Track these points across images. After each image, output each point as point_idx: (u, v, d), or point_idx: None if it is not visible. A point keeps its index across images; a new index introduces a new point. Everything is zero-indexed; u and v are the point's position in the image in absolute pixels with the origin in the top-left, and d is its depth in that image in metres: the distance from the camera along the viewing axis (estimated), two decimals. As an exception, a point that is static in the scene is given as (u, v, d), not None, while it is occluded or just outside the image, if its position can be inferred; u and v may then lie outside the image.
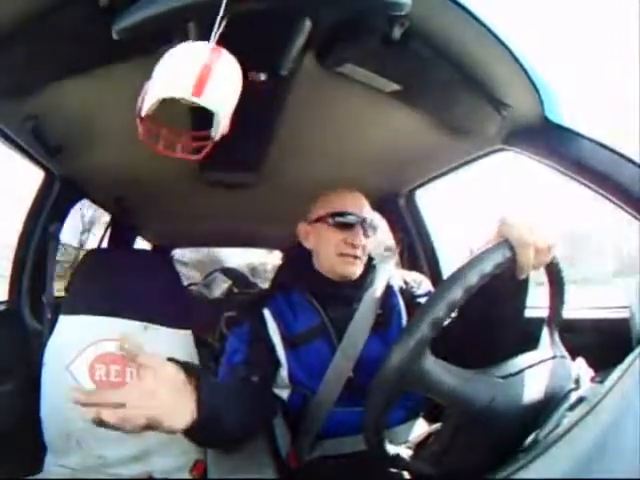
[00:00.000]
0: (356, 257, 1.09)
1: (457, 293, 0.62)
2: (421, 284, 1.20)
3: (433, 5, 0.78)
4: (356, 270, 1.10)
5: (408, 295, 1.16)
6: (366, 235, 1.09)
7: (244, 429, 0.91)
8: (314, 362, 1.05)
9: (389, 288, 1.14)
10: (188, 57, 0.63)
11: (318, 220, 1.12)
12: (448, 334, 0.96)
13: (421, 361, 0.61)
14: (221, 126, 0.67)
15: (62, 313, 1.42)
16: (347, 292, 1.11)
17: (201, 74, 0.61)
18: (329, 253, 1.10)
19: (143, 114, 0.66)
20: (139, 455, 1.33)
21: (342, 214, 1.09)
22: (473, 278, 0.63)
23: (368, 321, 1.06)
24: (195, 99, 0.61)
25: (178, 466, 1.34)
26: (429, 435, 0.99)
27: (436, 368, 0.62)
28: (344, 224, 1.08)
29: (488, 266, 0.64)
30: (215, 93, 0.62)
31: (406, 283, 1.18)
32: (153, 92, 0.64)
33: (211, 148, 0.73)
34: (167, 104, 0.67)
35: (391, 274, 1.17)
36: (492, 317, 0.82)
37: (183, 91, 0.61)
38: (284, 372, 1.07)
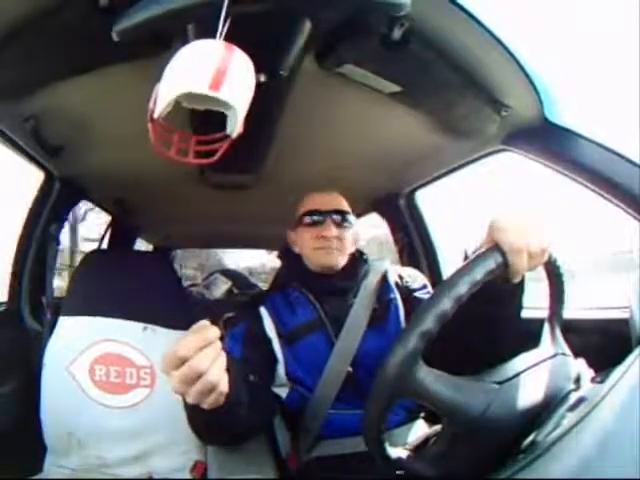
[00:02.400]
0: (331, 248, 1.12)
1: (447, 304, 0.62)
2: (416, 278, 1.23)
3: (433, 6, 0.78)
4: (336, 259, 1.13)
5: (404, 289, 1.18)
6: (338, 226, 1.13)
7: (245, 428, 0.92)
8: (311, 357, 1.07)
9: (385, 282, 1.16)
10: (201, 54, 0.62)
11: (297, 225, 1.18)
12: (445, 338, 0.97)
13: (413, 372, 0.61)
14: (238, 123, 0.66)
15: (62, 314, 1.42)
16: (340, 284, 1.15)
17: (217, 69, 0.60)
18: (308, 250, 1.15)
19: (156, 115, 0.65)
20: (139, 456, 1.33)
21: (310, 213, 1.15)
22: (463, 287, 0.62)
23: (365, 315, 1.08)
24: (213, 93, 0.60)
25: (178, 467, 1.34)
26: (430, 437, 0.99)
27: (429, 378, 0.62)
28: (313, 221, 1.14)
29: (479, 274, 0.64)
30: (232, 88, 0.61)
31: (401, 278, 1.21)
32: (167, 90, 0.63)
33: (218, 150, 0.72)
34: (172, 109, 0.67)
35: (386, 269, 1.19)
36: (489, 319, 0.82)
37: (200, 86, 0.60)
38: (281, 369, 1.08)
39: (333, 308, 1.12)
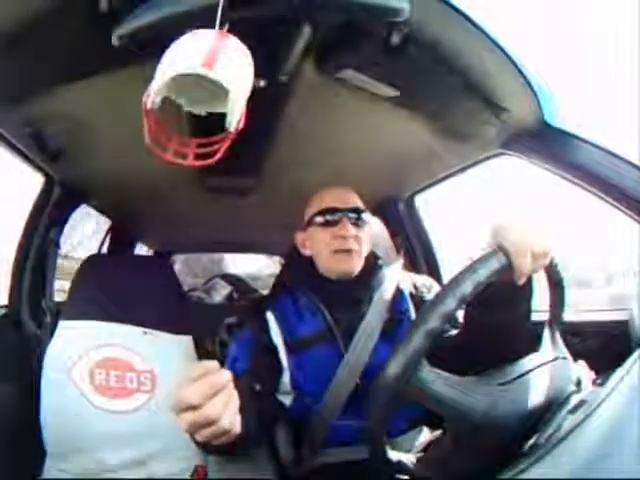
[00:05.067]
0: (350, 250, 1.07)
1: (451, 303, 0.62)
2: (431, 288, 1.17)
3: (431, 11, 0.78)
4: (354, 265, 1.08)
5: (418, 300, 1.13)
6: (356, 226, 1.08)
7: (249, 438, 0.91)
8: (318, 366, 1.03)
9: (399, 292, 1.11)
10: (195, 39, 0.61)
11: (308, 224, 1.12)
12: (452, 339, 0.96)
13: (417, 372, 0.61)
14: (236, 113, 0.64)
15: (62, 318, 1.42)
16: (352, 292, 1.09)
17: (210, 50, 0.59)
18: (324, 253, 1.09)
19: (149, 105, 0.63)
20: (139, 460, 1.33)
21: (326, 211, 1.08)
22: (467, 287, 0.63)
23: (377, 326, 1.03)
24: (205, 71, 0.58)
25: (178, 471, 1.33)
26: (432, 442, 0.98)
27: (432, 379, 0.62)
28: (330, 221, 1.08)
29: (482, 274, 0.64)
30: (226, 69, 0.59)
31: (416, 288, 1.16)
32: (160, 75, 0.61)
33: (218, 151, 0.70)
34: (170, 110, 0.67)
35: (400, 277, 1.14)
36: (498, 322, 0.81)
37: (192, 66, 0.58)
38: (286, 377, 1.05)
39: (344, 318, 1.06)
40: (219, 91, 0.61)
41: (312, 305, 1.09)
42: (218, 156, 0.69)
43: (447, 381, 0.63)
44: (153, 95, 0.62)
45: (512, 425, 0.62)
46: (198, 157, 0.70)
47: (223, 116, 0.65)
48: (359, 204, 1.11)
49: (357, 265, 1.09)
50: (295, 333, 1.07)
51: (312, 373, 1.04)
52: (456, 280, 0.64)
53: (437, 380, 0.62)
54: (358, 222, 1.09)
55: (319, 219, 1.09)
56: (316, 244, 1.11)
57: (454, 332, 1.01)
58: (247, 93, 0.64)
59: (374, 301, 1.06)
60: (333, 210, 1.08)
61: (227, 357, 1.06)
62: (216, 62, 0.59)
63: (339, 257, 1.07)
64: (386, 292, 1.07)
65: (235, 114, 0.64)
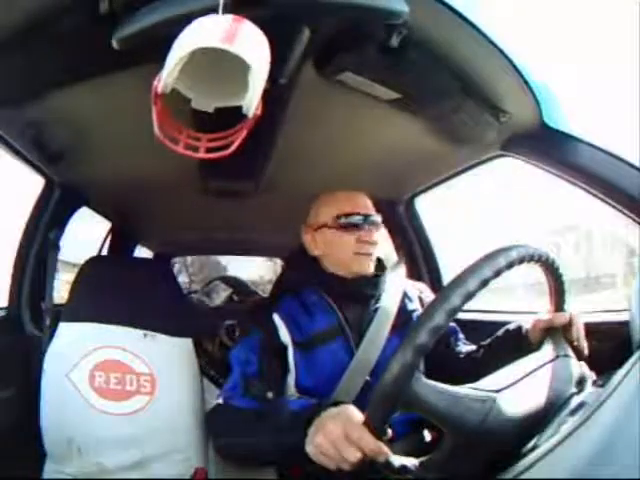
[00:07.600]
0: (370, 254, 1.10)
1: (441, 318, 0.61)
2: (429, 294, 1.23)
3: (431, 13, 0.79)
4: (371, 265, 1.11)
5: (422, 302, 1.18)
6: (376, 231, 1.11)
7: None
8: (328, 366, 1.04)
9: (404, 294, 1.15)
10: (211, 20, 0.59)
11: (324, 226, 1.11)
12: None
13: (410, 385, 0.61)
14: (255, 97, 0.62)
15: (62, 320, 1.41)
16: (362, 289, 1.11)
17: (229, 28, 0.57)
18: (344, 255, 1.10)
19: (161, 89, 0.62)
20: (139, 463, 1.32)
21: (349, 215, 1.09)
22: (457, 300, 0.62)
23: (388, 322, 1.06)
24: (226, 46, 0.56)
25: (178, 474, 1.33)
26: (433, 445, 0.98)
27: (426, 390, 0.62)
28: (355, 225, 1.09)
29: (472, 285, 0.63)
30: (246, 47, 0.57)
31: (420, 291, 1.21)
32: (176, 51, 0.59)
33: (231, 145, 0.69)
34: (176, 104, 0.66)
35: (405, 280, 1.20)
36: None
37: (212, 39, 0.56)
38: (291, 380, 1.05)
39: (354, 314, 1.09)
40: (235, 75, 0.60)
41: (323, 302, 1.10)
42: (233, 148, 0.68)
43: (441, 393, 0.63)
44: (165, 76, 0.61)
45: (509, 432, 0.62)
46: (210, 150, 0.69)
47: (232, 111, 0.64)
48: (374, 210, 1.14)
49: (372, 265, 1.12)
50: (306, 331, 1.07)
51: (319, 372, 1.04)
52: (445, 293, 0.63)
53: (430, 392, 0.62)
54: (377, 228, 1.12)
55: (342, 221, 1.09)
56: (334, 245, 1.11)
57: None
58: (265, 77, 0.63)
59: (384, 298, 1.10)
60: (358, 215, 1.09)
61: (237, 360, 1.06)
62: (236, 38, 0.57)
63: (360, 260, 1.09)
64: (396, 290, 1.12)
65: (255, 97, 0.62)
